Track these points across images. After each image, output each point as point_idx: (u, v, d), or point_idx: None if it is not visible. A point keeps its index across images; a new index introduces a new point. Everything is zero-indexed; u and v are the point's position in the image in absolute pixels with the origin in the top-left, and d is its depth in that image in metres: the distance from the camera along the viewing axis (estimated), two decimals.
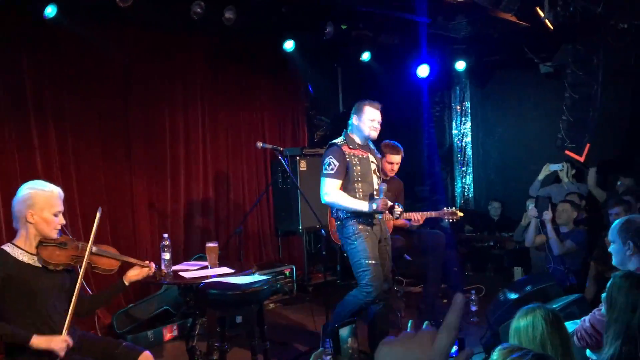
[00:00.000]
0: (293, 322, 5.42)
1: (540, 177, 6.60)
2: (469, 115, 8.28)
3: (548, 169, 6.55)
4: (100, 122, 5.32)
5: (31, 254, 2.80)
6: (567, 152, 6.24)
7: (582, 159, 6.19)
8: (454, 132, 8.40)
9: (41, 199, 2.80)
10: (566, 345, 2.19)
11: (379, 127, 4.10)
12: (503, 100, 7.84)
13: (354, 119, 4.12)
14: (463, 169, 8.37)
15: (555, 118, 6.38)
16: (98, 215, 2.98)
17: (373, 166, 4.16)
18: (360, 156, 4.07)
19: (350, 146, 4.05)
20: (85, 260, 2.85)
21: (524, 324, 2.21)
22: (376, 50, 6.70)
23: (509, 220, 7.24)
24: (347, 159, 4.00)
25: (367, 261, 3.90)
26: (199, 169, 6.13)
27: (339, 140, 4.10)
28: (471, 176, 8.34)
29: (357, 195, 4.01)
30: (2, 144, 4.67)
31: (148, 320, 4.98)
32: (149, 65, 5.64)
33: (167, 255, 3.82)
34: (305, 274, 6.60)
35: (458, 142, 8.39)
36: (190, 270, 4.00)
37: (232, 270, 3.90)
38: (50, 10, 4.43)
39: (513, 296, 4.15)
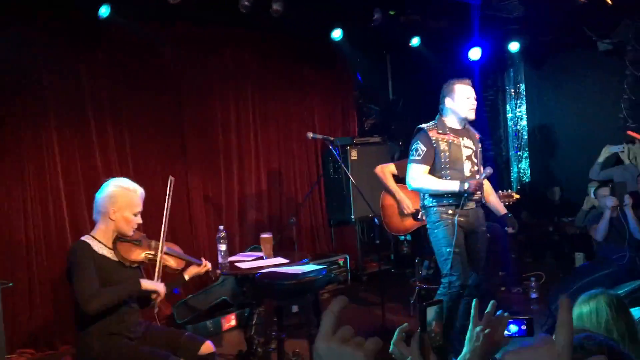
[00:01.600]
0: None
1: (600, 159, 6.33)
2: (524, 98, 8.03)
3: (608, 150, 6.28)
4: (155, 118, 5.46)
5: (109, 247, 2.94)
6: (629, 132, 5.97)
7: None
8: (509, 115, 8.18)
9: (125, 198, 2.93)
10: (632, 331, 2.09)
11: (475, 103, 3.82)
12: (560, 81, 7.56)
13: (446, 102, 3.84)
14: (519, 153, 8.14)
15: (616, 97, 6.12)
16: (170, 183, 3.23)
17: (467, 152, 3.85)
18: (451, 141, 3.80)
19: (440, 130, 3.80)
20: (159, 258, 3.01)
21: (586, 310, 2.13)
22: (425, 35, 6.58)
23: (568, 205, 7.00)
24: (434, 144, 3.77)
25: (447, 249, 3.71)
26: (251, 162, 6.21)
27: (428, 124, 3.86)
28: (528, 161, 8.11)
29: None
30: (64, 142, 4.86)
31: (207, 311, 5.09)
32: (199, 60, 5.73)
33: (223, 247, 3.89)
34: (359, 263, 6.60)
35: (513, 126, 8.16)
36: (246, 261, 4.06)
37: (287, 261, 3.94)
38: (104, 11, 4.56)
39: (574, 283, 4.02)
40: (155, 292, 2.95)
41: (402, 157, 6.44)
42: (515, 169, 8.18)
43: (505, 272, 5.72)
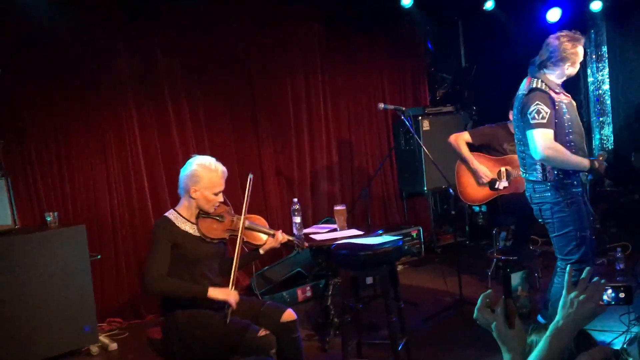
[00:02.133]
0: (423, 283, 5.38)
1: None
2: (607, 61, 7.57)
3: None
4: (227, 95, 5.56)
5: (192, 222, 3.02)
6: None
7: None
8: (590, 80, 7.74)
9: (206, 178, 2.99)
10: None
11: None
12: None
13: (550, 59, 3.40)
14: (601, 119, 7.71)
15: None
16: (249, 181, 3.16)
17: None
18: (568, 101, 3.40)
19: (556, 90, 3.36)
20: (239, 234, 3.03)
21: None
22: None
23: None
24: (557, 106, 3.31)
25: (581, 233, 3.32)
26: (322, 135, 6.21)
27: (540, 84, 3.34)
28: (611, 126, 7.67)
29: (572, 151, 3.31)
30: (143, 120, 5.03)
31: (282, 282, 5.19)
32: (266, 36, 5.75)
33: (297, 219, 3.93)
34: (432, 235, 6.51)
35: (595, 90, 7.73)
36: (320, 233, 4.09)
37: (361, 232, 3.94)
38: None
39: None
40: (226, 301, 2.89)
41: (475, 126, 6.26)
42: (598, 136, 7.77)
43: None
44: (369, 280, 5.05)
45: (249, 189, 3.14)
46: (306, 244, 3.49)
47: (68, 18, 4.52)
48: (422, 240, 6.23)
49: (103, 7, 4.78)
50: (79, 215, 4.72)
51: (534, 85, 3.36)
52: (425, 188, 6.34)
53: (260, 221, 3.31)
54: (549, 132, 3.25)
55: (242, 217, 3.08)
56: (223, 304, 2.90)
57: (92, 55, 4.76)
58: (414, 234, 6.18)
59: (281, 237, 3.25)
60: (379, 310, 3.71)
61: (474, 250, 6.33)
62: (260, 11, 5.66)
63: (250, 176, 3.24)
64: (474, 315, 1.42)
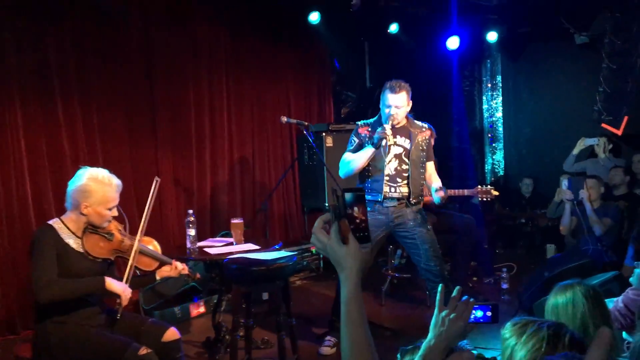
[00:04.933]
0: (320, 298, 5.37)
1: (575, 151, 6.38)
2: (500, 90, 8.04)
3: (583, 143, 6.32)
4: (125, 97, 5.26)
5: (77, 236, 2.80)
6: (603, 125, 6.00)
7: (619, 132, 5.94)
8: (484, 107, 8.18)
9: (99, 193, 2.79)
10: (608, 323, 2.06)
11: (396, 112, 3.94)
12: (536, 74, 7.58)
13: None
14: (494, 145, 8.16)
15: (591, 90, 6.14)
16: (155, 184, 3.03)
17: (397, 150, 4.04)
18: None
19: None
20: (131, 257, 2.87)
21: (562, 301, 2.10)
22: (404, 21, 6.52)
23: (541, 197, 7.05)
24: None
25: None
26: (224, 144, 6.07)
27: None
28: (502, 152, 8.13)
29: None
30: (29, 119, 4.66)
31: (175, 297, 4.98)
32: (171, 37, 5.54)
33: (192, 232, 3.78)
34: None
35: (488, 117, 8.17)
36: (215, 247, 3.96)
37: (257, 247, 3.85)
38: None
39: (547, 273, 4.01)
40: (118, 296, 2.76)
41: None
42: (490, 161, 8.20)
43: (477, 262, 5.72)
44: (265, 296, 4.97)
45: (153, 194, 2.98)
46: (198, 275, 3.35)
47: None
48: (321, 256, 6.23)
49: None
50: None
51: None
52: (327, 204, 6.36)
53: (152, 244, 3.13)
54: None
55: (137, 237, 2.90)
56: (102, 320, 2.71)
57: None
58: (314, 250, 6.18)
59: (180, 266, 3.11)
60: (273, 327, 3.64)
61: (370, 267, 6.41)
62: (166, 11, 5.46)
63: (157, 179, 3.06)
64: (311, 239, 1.37)
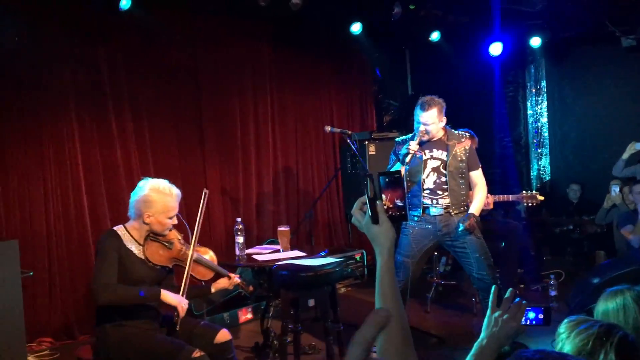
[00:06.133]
0: (365, 305, 5.40)
1: (625, 156, 6.22)
2: (545, 95, 7.92)
3: (634, 147, 6.16)
4: (174, 111, 5.48)
5: (139, 244, 2.94)
6: None
7: None
8: (529, 112, 8.07)
9: (160, 203, 2.92)
10: None
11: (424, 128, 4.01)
12: (581, 78, 7.44)
13: None
14: (539, 150, 8.03)
15: (639, 94, 6.01)
16: (204, 196, 3.16)
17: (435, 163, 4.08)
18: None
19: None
20: (187, 268, 2.96)
21: (613, 307, 2.08)
22: (446, 29, 6.51)
23: (589, 203, 6.90)
24: None
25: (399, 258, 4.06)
26: (269, 155, 6.21)
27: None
28: (548, 158, 8.00)
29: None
30: (84, 133, 4.89)
31: (223, 303, 5.10)
32: (217, 53, 5.74)
33: (240, 239, 3.90)
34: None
35: (533, 123, 8.05)
36: (263, 254, 4.06)
37: (303, 254, 3.93)
38: (124, 3, 4.57)
39: (596, 280, 3.96)
40: (176, 308, 2.86)
41: None
42: (536, 167, 8.08)
43: (524, 269, 5.65)
44: (311, 302, 5.04)
45: (203, 206, 3.11)
46: (251, 288, 3.45)
47: (7, 24, 4.37)
48: (365, 263, 6.27)
49: (46, 16, 4.65)
50: (12, 229, 4.51)
51: None
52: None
53: (208, 254, 3.24)
54: None
55: (192, 246, 3.01)
56: (158, 324, 2.83)
57: (32, 64, 4.61)
58: (358, 257, 6.22)
59: (238, 280, 3.23)
60: (320, 333, 3.70)
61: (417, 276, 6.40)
62: (211, 28, 5.65)
63: (205, 191, 3.19)
64: (352, 219, 1.53)
